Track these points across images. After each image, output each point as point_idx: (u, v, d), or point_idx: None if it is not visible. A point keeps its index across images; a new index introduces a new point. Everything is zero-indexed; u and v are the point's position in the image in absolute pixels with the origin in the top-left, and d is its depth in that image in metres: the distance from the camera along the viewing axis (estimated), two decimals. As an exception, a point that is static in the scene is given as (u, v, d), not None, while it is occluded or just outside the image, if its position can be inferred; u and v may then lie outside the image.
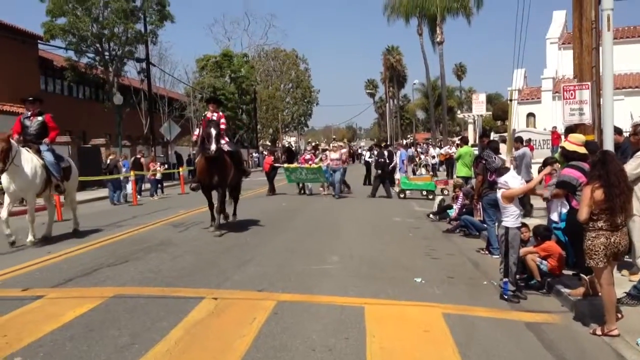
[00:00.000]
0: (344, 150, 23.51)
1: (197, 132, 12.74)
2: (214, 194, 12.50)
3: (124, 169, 22.23)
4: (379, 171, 21.33)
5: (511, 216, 7.02)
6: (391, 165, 24.82)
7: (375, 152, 23.86)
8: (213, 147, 11.38)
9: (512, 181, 7.09)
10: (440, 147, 34.86)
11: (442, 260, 9.46)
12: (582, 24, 10.40)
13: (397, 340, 5.41)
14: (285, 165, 23.99)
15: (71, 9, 33.07)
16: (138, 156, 25.63)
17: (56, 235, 12.01)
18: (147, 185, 24.02)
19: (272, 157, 24.47)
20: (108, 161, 22.38)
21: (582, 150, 7.44)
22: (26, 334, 5.56)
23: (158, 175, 24.12)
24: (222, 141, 12.04)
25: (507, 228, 6.99)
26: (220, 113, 13.01)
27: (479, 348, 5.25)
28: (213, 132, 11.49)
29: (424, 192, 20.34)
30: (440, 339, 5.48)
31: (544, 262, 7.48)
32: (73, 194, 13.02)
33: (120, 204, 20.59)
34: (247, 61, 57.97)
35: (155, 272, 8.38)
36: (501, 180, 7.16)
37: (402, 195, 20.49)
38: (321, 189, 22.54)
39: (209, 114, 12.71)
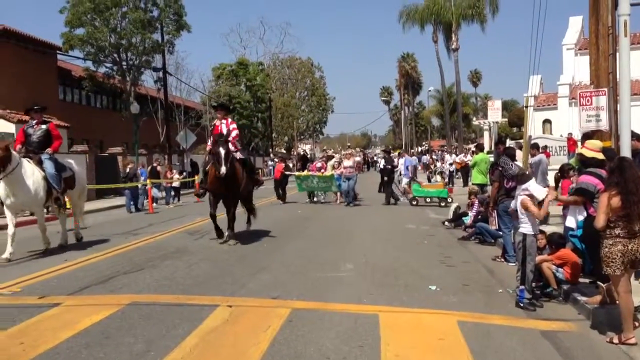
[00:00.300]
0: (357, 159, 23.60)
1: (209, 142, 12.36)
2: (220, 206, 12.22)
3: (142, 178, 22.40)
4: (385, 177, 21.82)
5: (529, 223, 6.97)
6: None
7: (384, 159, 23.70)
8: (223, 169, 11.00)
9: (535, 188, 7.03)
10: (456, 154, 34.59)
11: (457, 267, 9.40)
12: (598, 30, 10.33)
13: (411, 348, 5.39)
14: (297, 173, 23.85)
15: (90, 20, 33.59)
16: (155, 164, 25.83)
17: (73, 243, 12.11)
18: (163, 194, 24.09)
19: (283, 165, 24.21)
20: (127, 170, 22.60)
21: (600, 156, 7.40)
22: (42, 341, 5.62)
23: (176, 184, 24.33)
24: (232, 148, 11.69)
25: (524, 235, 6.94)
26: (230, 119, 12.55)
27: (495, 356, 5.21)
28: (222, 151, 11.09)
29: (433, 199, 20.43)
30: (456, 347, 5.44)
31: (559, 269, 7.40)
32: (79, 201, 12.85)
33: (137, 212, 20.73)
34: (262, 69, 58.31)
35: (171, 280, 8.43)
36: (524, 186, 7.10)
37: (414, 203, 20.51)
38: (334, 197, 22.36)
39: (217, 122, 12.42)
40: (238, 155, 12.02)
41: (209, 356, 5.23)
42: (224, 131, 11.83)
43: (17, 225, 10.84)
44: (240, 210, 12.92)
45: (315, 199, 22.76)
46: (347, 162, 21.26)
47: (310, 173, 22.75)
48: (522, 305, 6.83)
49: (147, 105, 38.22)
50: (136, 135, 32.55)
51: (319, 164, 23.91)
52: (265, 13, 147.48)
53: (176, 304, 7.02)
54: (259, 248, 11.39)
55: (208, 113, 44.95)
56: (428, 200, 20.53)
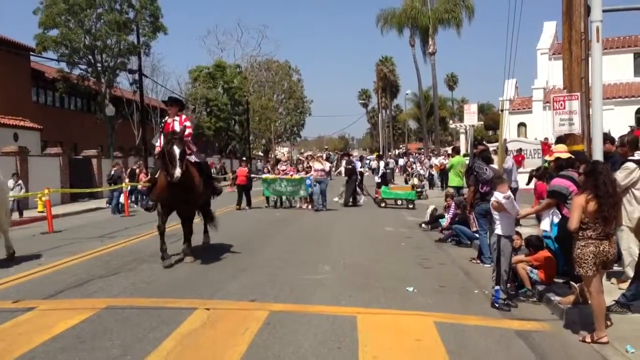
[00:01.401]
0: (327, 165, 22.45)
1: (158, 143, 10.30)
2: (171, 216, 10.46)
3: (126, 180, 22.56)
4: (347, 178, 21.97)
5: (503, 224, 7.07)
6: (379, 175, 25.26)
7: (344, 162, 23.56)
8: (177, 172, 9.15)
9: (502, 201, 7.13)
10: (436, 157, 34.64)
11: (434, 269, 9.49)
12: (571, 35, 10.50)
13: (389, 350, 5.43)
14: (264, 176, 22.72)
15: (64, 21, 33.16)
16: (134, 167, 25.68)
17: (48, 248, 11.95)
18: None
19: (247, 169, 22.66)
20: (112, 172, 22.51)
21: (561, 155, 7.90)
22: (17, 345, 5.55)
23: None
24: (188, 150, 10.05)
25: (499, 236, 7.04)
26: (184, 116, 10.78)
27: (470, 356, 5.28)
28: (176, 151, 9.25)
29: (400, 202, 20.70)
30: (432, 347, 5.50)
31: (534, 270, 7.53)
32: (4, 217, 11.06)
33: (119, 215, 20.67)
34: (240, 72, 58.16)
35: (147, 283, 8.38)
36: (494, 198, 7.21)
37: (382, 205, 20.78)
38: (299, 202, 21.34)
39: (169, 120, 10.47)
40: (193, 158, 10.32)
41: (186, 359, 5.20)
42: (177, 129, 10.08)
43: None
44: (196, 220, 11.19)
45: (281, 205, 21.71)
46: (318, 165, 20.73)
47: (278, 176, 21.81)
48: (497, 305, 6.92)
49: (122, 107, 37.89)
50: (111, 138, 32.28)
51: (283, 167, 23.26)
52: (243, 15, 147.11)
53: (153, 307, 6.97)
54: (237, 250, 11.35)
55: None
56: (400, 202, 20.74)
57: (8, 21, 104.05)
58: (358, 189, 22.43)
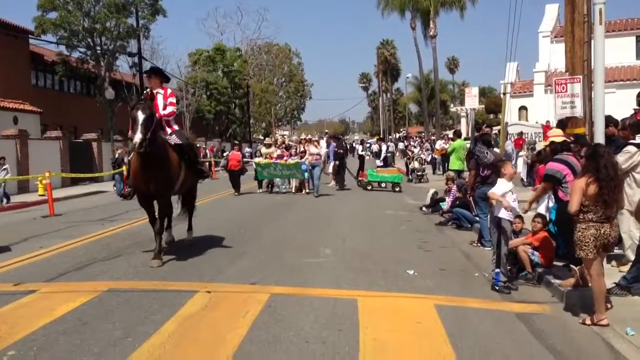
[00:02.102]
0: (323, 150, 21.55)
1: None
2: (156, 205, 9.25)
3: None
4: (337, 162, 21.84)
5: (505, 208, 7.07)
6: (382, 158, 25.21)
7: (332, 145, 22.63)
8: (137, 137, 7.84)
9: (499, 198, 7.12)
10: (434, 142, 34.13)
11: (435, 252, 9.51)
12: (574, 18, 10.43)
13: (389, 332, 5.45)
14: (257, 160, 21.65)
15: (62, 3, 32.93)
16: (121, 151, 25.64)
17: (49, 231, 11.97)
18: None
19: (239, 153, 21.62)
20: (117, 155, 22.50)
21: (556, 138, 7.99)
22: (19, 328, 5.57)
23: None
24: (169, 130, 9.17)
25: (499, 219, 7.04)
26: (170, 91, 9.54)
27: (471, 339, 5.30)
28: (140, 116, 7.95)
29: (384, 185, 20.79)
30: (433, 330, 5.52)
31: (535, 253, 7.54)
32: None
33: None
34: (240, 55, 57.85)
35: (148, 266, 8.38)
36: (491, 190, 7.22)
37: (369, 187, 20.88)
38: (294, 188, 20.45)
39: (154, 92, 9.09)
40: (173, 139, 9.09)
41: (187, 341, 5.23)
42: (160, 104, 9.12)
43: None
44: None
45: (275, 189, 20.93)
46: (313, 149, 19.92)
47: (272, 161, 20.77)
48: (497, 288, 6.94)
49: (122, 90, 37.68)
50: (111, 121, 32.17)
51: (277, 152, 21.99)
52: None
53: (154, 290, 6.99)
54: (238, 234, 11.37)
55: (184, 99, 44.56)
56: (383, 185, 20.80)
57: (7, 3, 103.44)
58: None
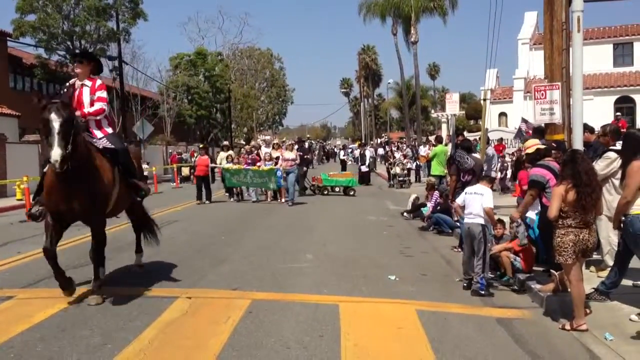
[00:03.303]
0: (292, 155, 18.98)
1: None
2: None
3: None
4: (305, 168, 21.59)
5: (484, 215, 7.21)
6: (366, 164, 25.27)
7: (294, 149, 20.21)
8: (55, 154, 5.88)
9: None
10: (423, 147, 32.09)
11: (416, 257, 9.54)
12: (552, 25, 10.58)
13: (371, 338, 5.45)
14: (226, 165, 19.67)
15: (41, 6, 32.51)
16: None
17: (27, 236, 11.79)
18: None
19: (208, 158, 20.19)
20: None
21: (539, 145, 8.14)
22: (5, 329, 5.49)
23: (145, 173, 24.12)
24: (99, 133, 7.14)
25: (482, 226, 7.16)
26: (99, 82, 7.29)
27: (451, 343, 5.32)
28: (55, 122, 6.00)
29: (337, 189, 20.89)
30: (414, 335, 5.54)
31: (517, 258, 7.60)
32: None
33: None
34: (221, 60, 57.59)
35: (128, 272, 8.30)
36: (481, 191, 7.37)
37: (325, 192, 21.02)
38: (268, 196, 19.22)
39: (77, 84, 7.19)
40: (103, 143, 7.07)
41: (168, 348, 5.18)
42: (86, 99, 7.09)
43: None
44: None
45: (247, 198, 19.54)
46: (288, 154, 18.49)
47: (243, 167, 19.20)
48: (482, 292, 6.99)
49: (102, 94, 37.32)
50: (91, 125, 31.77)
51: (248, 159, 20.19)
52: (224, 2, 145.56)
53: (134, 296, 6.91)
54: (219, 239, 11.30)
55: (165, 103, 44.26)
56: (337, 189, 20.93)
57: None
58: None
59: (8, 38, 32.20)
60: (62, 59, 35.27)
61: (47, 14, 32.51)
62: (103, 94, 7.18)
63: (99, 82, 7.29)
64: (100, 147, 6.99)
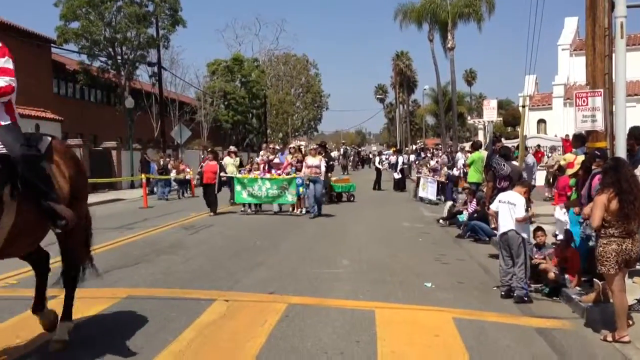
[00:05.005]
0: (322, 162, 16.55)
1: None
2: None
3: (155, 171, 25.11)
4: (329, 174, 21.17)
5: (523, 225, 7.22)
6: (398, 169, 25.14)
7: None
8: None
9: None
10: (452, 154, 31.39)
11: (452, 265, 9.46)
12: (594, 31, 10.36)
13: (407, 345, 5.43)
14: (239, 175, 17.24)
15: (84, 13, 33.44)
16: (168, 159, 26.90)
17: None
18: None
19: (216, 163, 17.34)
20: (161, 162, 25.59)
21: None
22: (39, 334, 5.60)
23: (188, 176, 25.58)
24: None
25: (522, 237, 7.20)
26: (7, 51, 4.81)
27: (490, 353, 5.26)
28: None
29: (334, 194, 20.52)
30: (451, 343, 5.49)
31: (566, 276, 7.46)
32: None
33: (168, 200, 23.01)
34: (257, 66, 58.13)
35: (167, 274, 8.45)
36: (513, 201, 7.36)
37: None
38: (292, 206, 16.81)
39: None
40: None
41: (207, 349, 5.25)
42: None
43: None
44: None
45: (262, 207, 17.14)
46: (313, 161, 16.18)
47: (258, 175, 16.78)
48: (527, 299, 6.96)
49: (141, 99, 38.04)
50: (130, 130, 32.46)
51: (257, 170, 17.54)
52: (261, 9, 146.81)
53: (172, 298, 7.03)
54: (254, 244, 11.39)
55: (202, 108, 44.88)
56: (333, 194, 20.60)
57: (30, 13, 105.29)
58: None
59: (52, 45, 33.13)
60: (103, 65, 36.18)
61: (89, 22, 33.43)
62: (9, 64, 4.72)
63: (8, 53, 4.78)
64: None
